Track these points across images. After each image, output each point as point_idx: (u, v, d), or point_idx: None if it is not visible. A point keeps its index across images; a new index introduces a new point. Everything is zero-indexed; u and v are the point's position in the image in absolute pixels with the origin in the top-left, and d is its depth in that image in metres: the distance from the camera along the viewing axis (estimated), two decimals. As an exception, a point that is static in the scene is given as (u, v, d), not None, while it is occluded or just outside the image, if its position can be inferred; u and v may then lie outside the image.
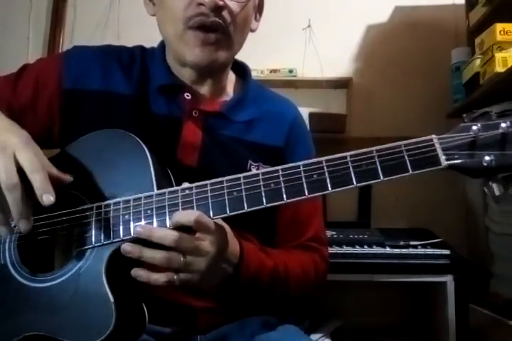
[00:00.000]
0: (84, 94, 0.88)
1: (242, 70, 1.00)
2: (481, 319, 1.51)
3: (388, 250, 1.53)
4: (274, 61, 2.10)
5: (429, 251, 1.52)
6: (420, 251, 1.52)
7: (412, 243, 1.56)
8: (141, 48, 0.96)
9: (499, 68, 1.54)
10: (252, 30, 0.95)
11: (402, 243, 1.56)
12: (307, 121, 1.91)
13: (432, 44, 2.12)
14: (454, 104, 1.95)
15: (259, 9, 0.97)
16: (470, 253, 1.92)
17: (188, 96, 0.89)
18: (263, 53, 2.09)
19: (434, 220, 1.94)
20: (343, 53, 2.16)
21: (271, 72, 2.09)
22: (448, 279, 1.49)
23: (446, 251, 1.50)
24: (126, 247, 0.67)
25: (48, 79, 0.89)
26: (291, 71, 2.10)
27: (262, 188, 0.67)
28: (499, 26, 1.61)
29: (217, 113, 0.90)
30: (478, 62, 1.72)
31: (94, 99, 0.88)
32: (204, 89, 0.92)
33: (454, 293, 1.48)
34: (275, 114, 0.97)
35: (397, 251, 1.52)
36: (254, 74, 2.00)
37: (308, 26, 2.14)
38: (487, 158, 0.61)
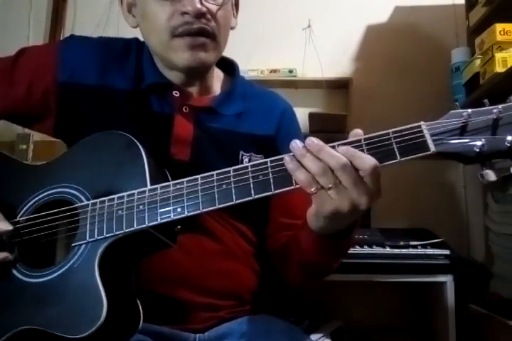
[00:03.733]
0: (80, 88, 0.90)
1: (230, 67, 1.01)
2: (481, 319, 1.51)
3: (388, 250, 1.53)
4: (274, 61, 2.10)
5: (429, 251, 1.52)
6: (420, 251, 1.52)
7: (412, 243, 1.56)
8: (137, 40, 0.97)
9: (499, 68, 1.54)
10: (232, 28, 0.95)
11: (402, 243, 1.56)
12: (307, 121, 1.92)
13: (432, 44, 2.12)
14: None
15: (236, 6, 0.98)
16: (470, 253, 1.93)
17: (176, 93, 0.91)
18: (263, 53, 2.09)
19: (434, 220, 1.94)
20: (343, 53, 2.16)
21: (271, 72, 2.09)
22: (448, 279, 1.49)
23: (446, 251, 1.50)
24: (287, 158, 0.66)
25: (43, 70, 0.91)
26: (291, 71, 2.10)
27: (251, 180, 0.68)
28: (499, 26, 1.62)
29: (207, 108, 0.92)
30: (478, 62, 1.72)
31: (90, 94, 0.89)
32: (192, 89, 0.94)
33: (454, 293, 1.48)
34: (265, 106, 0.99)
35: (397, 251, 1.52)
36: (254, 74, 2.03)
37: (308, 26, 2.14)
38: (479, 143, 0.60)
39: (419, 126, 0.64)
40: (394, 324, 1.91)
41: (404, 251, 1.52)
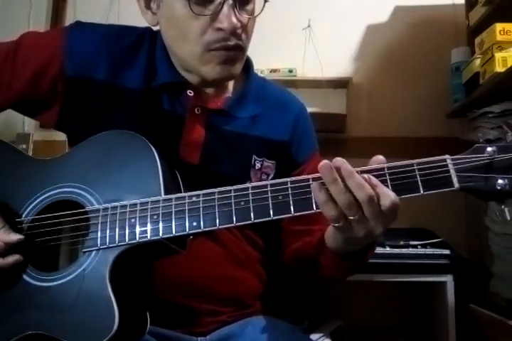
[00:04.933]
0: (88, 84, 0.86)
1: (244, 64, 0.96)
2: (481, 319, 1.51)
3: (388, 250, 1.53)
4: (274, 61, 2.10)
5: (429, 251, 1.52)
6: (420, 251, 1.52)
7: (412, 243, 1.56)
8: (150, 31, 0.92)
9: (499, 68, 1.53)
10: None
11: (402, 243, 1.56)
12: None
13: (432, 44, 2.12)
14: (453, 103, 1.95)
15: None
16: (470, 253, 1.92)
17: (190, 93, 0.88)
18: (263, 53, 2.07)
19: (434, 220, 1.94)
20: (343, 53, 2.16)
21: (271, 71, 2.09)
22: (448, 279, 1.49)
23: (446, 251, 1.50)
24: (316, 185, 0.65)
25: (49, 59, 0.86)
26: (291, 71, 2.10)
27: (270, 200, 0.66)
28: (499, 26, 1.61)
29: (220, 110, 0.89)
30: (478, 62, 1.72)
31: (99, 89, 0.86)
32: (208, 89, 0.91)
33: (454, 293, 1.48)
34: (279, 108, 0.96)
35: (397, 250, 1.52)
36: (254, 74, 2.02)
37: (308, 26, 2.14)
38: (500, 181, 0.61)
39: (445, 160, 0.64)
40: (394, 324, 1.91)
41: (404, 250, 1.52)
